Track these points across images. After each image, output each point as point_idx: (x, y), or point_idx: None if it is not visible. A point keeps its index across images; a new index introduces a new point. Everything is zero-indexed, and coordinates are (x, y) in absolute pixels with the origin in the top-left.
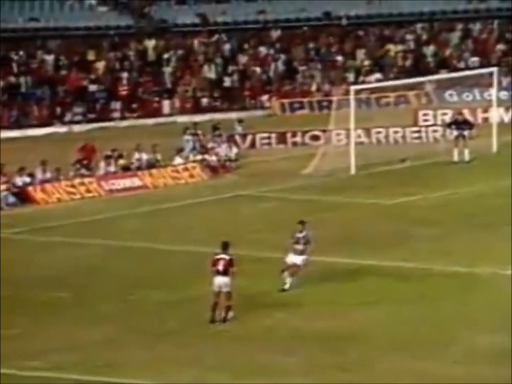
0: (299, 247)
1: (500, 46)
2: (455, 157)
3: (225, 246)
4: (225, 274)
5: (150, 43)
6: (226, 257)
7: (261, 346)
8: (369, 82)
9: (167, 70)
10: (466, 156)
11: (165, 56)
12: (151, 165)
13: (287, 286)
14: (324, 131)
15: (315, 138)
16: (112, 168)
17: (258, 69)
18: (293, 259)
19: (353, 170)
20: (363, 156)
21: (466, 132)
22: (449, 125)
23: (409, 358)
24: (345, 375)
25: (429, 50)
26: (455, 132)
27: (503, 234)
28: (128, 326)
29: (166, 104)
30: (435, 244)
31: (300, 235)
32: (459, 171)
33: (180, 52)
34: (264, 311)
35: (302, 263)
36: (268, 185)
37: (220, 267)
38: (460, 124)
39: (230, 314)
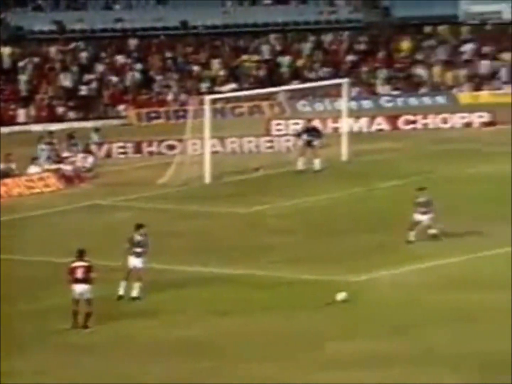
0: (138, 249)
1: (350, 57)
2: (300, 166)
3: (81, 254)
4: (85, 282)
5: (6, 50)
6: (84, 264)
7: (119, 355)
8: (224, 92)
9: (23, 78)
10: (317, 165)
11: (21, 63)
12: (5, 174)
13: (134, 293)
14: (180, 140)
15: (171, 147)
16: None
17: (114, 78)
18: (134, 262)
19: (208, 179)
20: (218, 165)
21: (316, 142)
22: (299, 134)
23: (264, 365)
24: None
25: (283, 60)
26: (303, 141)
27: (353, 241)
28: None
29: (21, 113)
30: (288, 252)
31: (139, 238)
32: (310, 180)
33: (36, 59)
34: (121, 320)
35: (144, 266)
36: (124, 195)
37: (79, 274)
38: (309, 132)
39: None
